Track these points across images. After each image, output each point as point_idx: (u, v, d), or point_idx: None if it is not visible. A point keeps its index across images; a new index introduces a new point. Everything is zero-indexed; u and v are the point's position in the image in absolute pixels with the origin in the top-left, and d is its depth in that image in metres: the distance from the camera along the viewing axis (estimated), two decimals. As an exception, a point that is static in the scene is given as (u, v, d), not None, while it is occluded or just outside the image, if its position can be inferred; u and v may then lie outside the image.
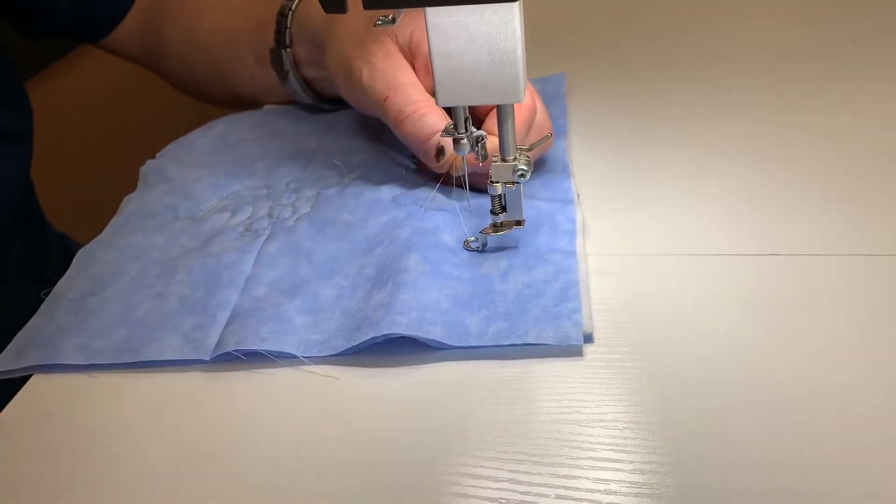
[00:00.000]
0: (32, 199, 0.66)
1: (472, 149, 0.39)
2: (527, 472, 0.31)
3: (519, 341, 0.36)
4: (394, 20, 0.34)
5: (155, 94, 0.74)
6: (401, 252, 0.41)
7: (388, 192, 0.46)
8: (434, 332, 0.36)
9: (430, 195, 0.45)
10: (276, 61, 0.56)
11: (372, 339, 0.36)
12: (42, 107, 0.66)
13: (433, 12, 0.33)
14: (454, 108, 0.38)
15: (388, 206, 0.45)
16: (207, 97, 0.66)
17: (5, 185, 0.57)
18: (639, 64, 0.63)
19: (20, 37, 0.62)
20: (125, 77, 0.70)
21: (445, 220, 0.44)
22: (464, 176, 0.42)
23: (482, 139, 0.39)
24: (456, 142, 0.39)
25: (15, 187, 0.59)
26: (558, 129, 0.52)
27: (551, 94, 0.57)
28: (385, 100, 0.45)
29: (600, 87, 0.59)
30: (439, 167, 0.45)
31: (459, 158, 0.44)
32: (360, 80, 0.47)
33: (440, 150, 0.44)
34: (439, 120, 0.44)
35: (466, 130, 0.38)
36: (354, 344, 0.37)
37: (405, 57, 0.47)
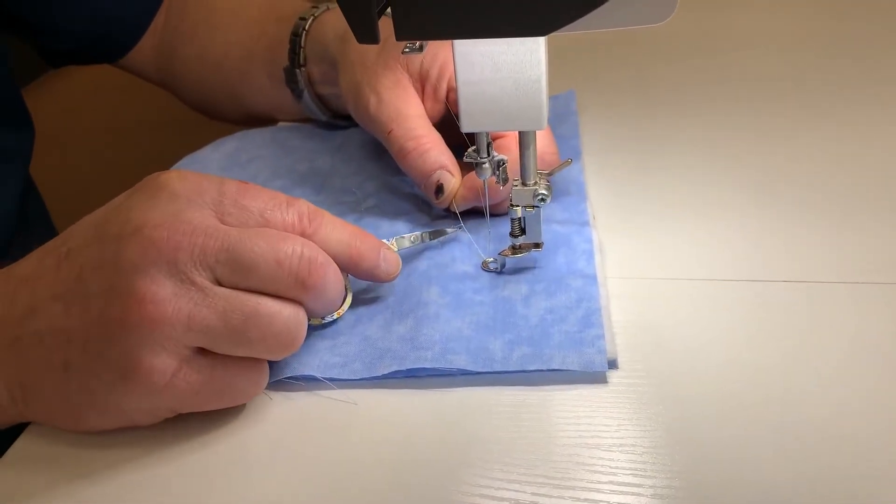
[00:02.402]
0: (38, 207, 0.67)
1: (494, 173, 0.40)
2: (548, 496, 0.32)
3: (544, 367, 0.36)
4: (421, 48, 0.34)
5: (158, 98, 0.74)
6: (419, 284, 0.42)
7: (404, 225, 0.47)
8: (458, 362, 0.37)
9: (451, 231, 0.45)
10: (291, 80, 0.57)
11: (396, 371, 0.37)
12: (46, 110, 0.67)
13: (461, 42, 0.34)
14: (477, 133, 0.38)
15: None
16: (221, 115, 0.67)
17: (7, 200, 0.58)
18: (650, 84, 0.63)
19: (21, 42, 0.63)
20: (129, 80, 0.70)
21: (462, 251, 0.44)
22: (484, 201, 0.42)
23: (503, 163, 0.40)
24: (478, 166, 0.39)
25: (14, 203, 0.59)
26: (572, 150, 0.53)
27: (562, 113, 0.58)
28: (389, 133, 0.47)
29: (611, 107, 0.60)
30: (439, 203, 0.46)
31: (459, 194, 0.45)
32: (368, 109, 0.48)
33: (440, 188, 0.45)
34: (440, 155, 0.45)
35: (488, 155, 0.39)
36: (377, 374, 0.37)
37: (414, 83, 0.48)
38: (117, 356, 0.32)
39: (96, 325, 0.33)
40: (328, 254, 0.36)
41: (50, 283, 0.34)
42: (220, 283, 0.33)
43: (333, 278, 0.36)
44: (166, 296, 0.32)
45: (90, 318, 0.33)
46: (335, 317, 0.39)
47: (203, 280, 0.33)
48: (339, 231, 0.37)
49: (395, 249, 0.42)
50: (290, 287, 0.34)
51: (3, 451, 0.37)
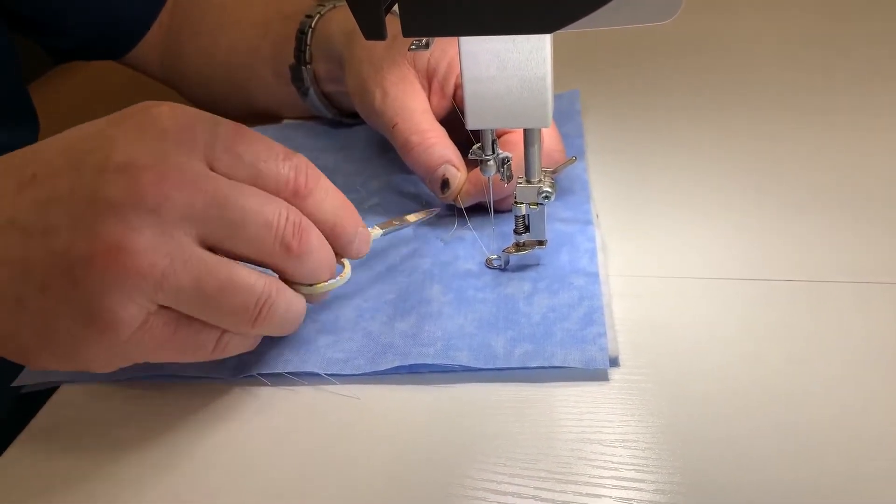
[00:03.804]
0: None
1: (498, 170, 0.40)
2: (551, 490, 0.32)
3: (546, 364, 0.36)
4: (427, 45, 0.34)
5: (163, 94, 0.75)
6: (422, 281, 0.42)
7: (376, 234, 0.47)
8: (461, 358, 0.37)
9: (451, 231, 0.46)
10: (297, 78, 0.57)
11: (398, 367, 0.37)
12: (50, 106, 0.67)
13: (467, 39, 0.34)
14: (482, 130, 0.38)
15: (408, 238, 0.46)
16: (225, 112, 0.67)
17: None
18: (653, 83, 0.63)
19: (25, 40, 0.63)
20: (133, 77, 0.70)
21: (465, 248, 0.45)
22: (488, 198, 0.43)
23: (508, 161, 0.40)
24: (482, 163, 0.40)
25: None
26: (576, 148, 0.53)
27: (565, 111, 0.58)
28: (394, 127, 0.46)
29: (615, 107, 0.60)
30: (444, 198, 0.46)
31: (464, 190, 0.45)
32: (373, 104, 0.48)
33: (445, 183, 0.45)
34: (445, 150, 0.45)
35: (493, 152, 0.39)
36: (378, 369, 0.38)
37: (421, 79, 0.48)
38: (80, 300, 0.30)
39: (59, 263, 0.30)
40: (316, 218, 0.35)
41: (7, 207, 0.31)
42: (201, 241, 0.32)
43: (317, 244, 0.34)
44: (143, 246, 0.30)
45: (52, 252, 0.30)
46: (336, 284, 0.37)
47: (183, 237, 0.31)
48: (332, 198, 0.36)
49: (378, 234, 0.41)
50: (274, 251, 0.33)
51: (2, 450, 0.37)
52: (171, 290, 0.31)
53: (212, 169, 0.32)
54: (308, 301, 0.37)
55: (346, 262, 0.39)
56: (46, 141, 0.33)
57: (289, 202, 0.34)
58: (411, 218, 0.44)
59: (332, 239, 0.36)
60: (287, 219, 0.33)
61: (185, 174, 0.31)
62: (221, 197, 0.31)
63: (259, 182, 0.33)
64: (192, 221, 0.31)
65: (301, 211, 0.34)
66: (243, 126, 0.34)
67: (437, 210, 0.46)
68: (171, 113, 0.33)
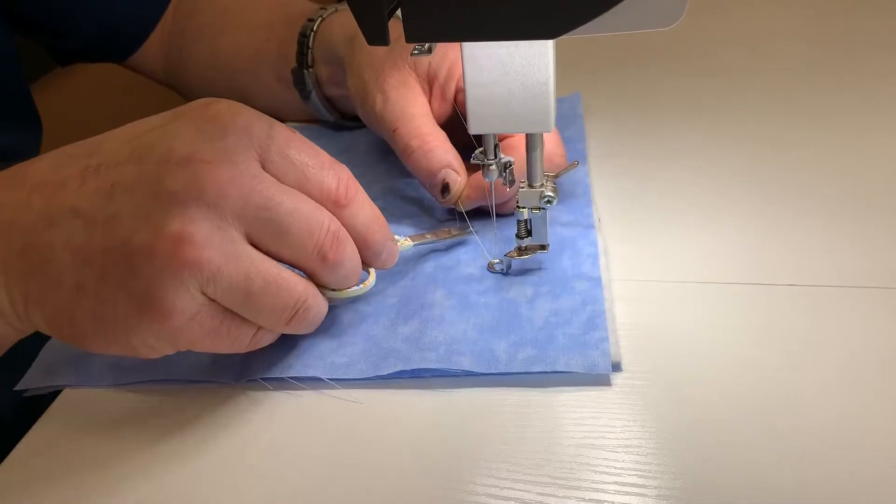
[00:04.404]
0: None
1: (501, 174, 0.40)
2: (553, 495, 0.32)
3: (548, 369, 0.36)
4: (430, 50, 0.34)
5: (165, 97, 0.75)
6: (425, 286, 0.42)
7: (410, 228, 0.47)
8: (463, 363, 0.37)
9: (452, 237, 0.46)
10: (299, 81, 0.57)
11: (400, 371, 0.37)
12: (52, 107, 0.67)
13: (469, 44, 0.34)
14: (484, 135, 0.38)
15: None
16: None
17: None
18: (655, 88, 0.64)
19: (26, 41, 0.63)
20: (136, 79, 0.70)
21: (467, 253, 0.45)
22: (490, 203, 0.43)
23: (510, 165, 0.40)
24: (485, 167, 0.40)
25: None
26: (578, 152, 0.53)
27: (567, 115, 0.58)
28: (394, 131, 0.47)
29: (617, 110, 0.60)
30: (444, 202, 0.46)
31: (464, 194, 0.45)
32: (374, 108, 0.48)
33: (445, 187, 0.45)
34: (445, 154, 0.45)
35: (495, 157, 0.39)
36: (381, 373, 0.38)
37: (422, 83, 0.48)
38: (139, 289, 0.31)
39: (120, 251, 0.31)
40: (351, 228, 0.36)
41: (71, 196, 0.32)
42: (249, 239, 0.33)
43: (350, 254, 0.36)
44: (202, 239, 0.31)
45: (114, 242, 0.31)
46: (360, 292, 0.39)
47: (237, 234, 0.32)
48: (368, 210, 0.37)
49: (409, 246, 0.42)
50: (312, 258, 0.34)
51: (5, 453, 0.37)
52: (222, 285, 0.32)
53: (265, 169, 0.34)
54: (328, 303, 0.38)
55: (372, 270, 0.40)
56: (110, 133, 0.35)
57: (329, 210, 0.35)
58: (443, 235, 0.45)
59: (362, 250, 0.37)
60: (328, 229, 0.35)
61: (243, 173, 0.32)
62: (274, 200, 0.33)
63: (304, 187, 0.35)
64: (244, 220, 0.32)
65: (339, 219, 0.36)
66: (295, 131, 0.36)
67: (471, 231, 0.46)
68: (231, 110, 0.34)
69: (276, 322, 0.35)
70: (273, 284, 0.33)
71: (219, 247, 0.32)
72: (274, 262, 0.34)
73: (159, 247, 0.31)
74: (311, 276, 0.36)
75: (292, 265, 0.35)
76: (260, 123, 0.34)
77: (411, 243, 0.43)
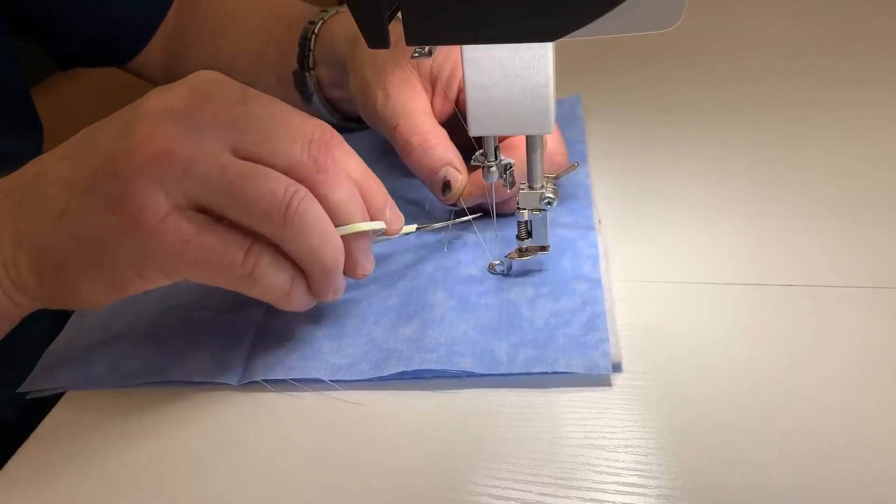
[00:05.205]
0: None
1: (501, 176, 0.40)
2: (554, 496, 0.32)
3: (549, 369, 0.37)
4: (430, 53, 0.35)
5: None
6: (426, 286, 0.42)
7: (410, 229, 0.47)
8: (464, 364, 0.37)
9: (453, 235, 0.46)
10: (300, 83, 0.57)
11: (401, 372, 0.38)
12: (53, 111, 0.67)
13: (469, 46, 0.34)
14: (485, 137, 0.39)
15: (411, 244, 0.46)
16: None
17: None
18: (655, 89, 0.64)
19: (29, 44, 0.63)
20: (137, 83, 0.70)
21: (468, 254, 0.45)
22: (491, 204, 0.43)
23: (510, 167, 0.40)
24: (485, 169, 0.40)
25: None
26: (578, 154, 0.53)
27: (567, 117, 0.58)
28: (395, 128, 0.46)
29: (617, 112, 0.60)
30: (446, 200, 0.46)
31: (465, 191, 0.45)
32: (375, 105, 0.48)
33: (446, 185, 0.45)
34: (446, 152, 0.45)
35: (496, 159, 0.39)
36: (382, 374, 0.38)
37: (424, 82, 0.48)
38: (111, 189, 0.32)
39: (101, 166, 0.33)
40: (346, 168, 0.36)
41: (62, 149, 0.35)
42: (233, 150, 0.33)
43: (345, 176, 0.36)
44: (173, 136, 0.32)
45: (95, 162, 0.33)
46: (375, 227, 0.37)
47: (216, 142, 0.33)
48: (357, 162, 0.37)
49: (412, 230, 0.43)
50: (306, 163, 0.34)
51: (8, 455, 0.37)
52: (197, 177, 0.32)
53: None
54: (345, 271, 0.37)
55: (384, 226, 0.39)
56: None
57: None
58: (438, 225, 0.45)
59: (362, 196, 0.37)
60: (316, 136, 0.35)
61: (219, 94, 0.34)
62: (249, 112, 0.34)
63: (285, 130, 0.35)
64: (221, 129, 0.33)
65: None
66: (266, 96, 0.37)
67: (471, 217, 0.46)
68: (209, 73, 0.36)
69: (270, 216, 0.33)
70: (252, 174, 0.33)
71: (193, 144, 0.32)
72: (255, 163, 0.33)
73: (135, 147, 0.32)
74: (313, 190, 0.35)
75: (287, 174, 0.34)
76: (235, 83, 0.36)
77: (414, 227, 0.43)
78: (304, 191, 0.34)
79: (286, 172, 0.34)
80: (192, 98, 0.34)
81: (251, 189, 0.33)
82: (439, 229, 0.45)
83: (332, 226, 0.35)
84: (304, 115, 0.36)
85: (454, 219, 0.46)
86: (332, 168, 0.35)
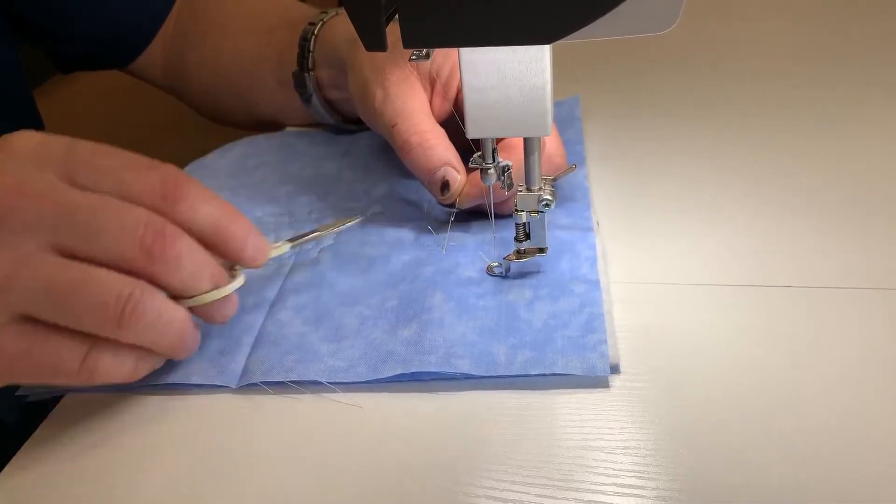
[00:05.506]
0: None
1: (499, 178, 0.40)
2: (552, 497, 0.32)
3: (547, 371, 0.37)
4: (428, 55, 0.35)
5: (166, 103, 0.75)
6: (424, 289, 0.42)
7: (409, 231, 0.47)
8: (462, 366, 0.37)
9: (451, 238, 0.46)
10: (300, 84, 0.57)
11: (400, 374, 0.38)
12: (54, 113, 0.68)
13: (467, 49, 0.34)
14: (483, 139, 0.39)
15: (410, 246, 0.46)
16: (229, 120, 0.68)
17: None
18: (653, 90, 0.64)
19: (28, 47, 0.63)
20: (137, 85, 0.71)
21: (466, 257, 0.45)
22: (489, 206, 0.43)
23: (508, 169, 0.40)
24: (483, 171, 0.40)
25: None
26: (576, 155, 0.53)
27: (566, 118, 0.58)
28: (393, 127, 0.46)
29: (615, 113, 0.60)
30: (444, 200, 0.45)
31: (464, 192, 0.45)
32: (374, 104, 0.48)
33: (445, 185, 0.45)
34: (445, 152, 0.45)
35: (494, 161, 0.39)
36: (380, 377, 0.38)
37: (423, 82, 0.48)
38: None
39: None
40: (192, 224, 0.34)
41: None
42: (56, 249, 0.31)
43: (187, 250, 0.33)
44: None
45: None
46: (220, 294, 0.36)
47: (33, 244, 0.31)
48: (208, 204, 0.34)
49: (286, 249, 0.41)
50: (136, 257, 0.32)
51: (8, 457, 0.37)
52: (20, 292, 0.30)
53: (72, 184, 0.32)
54: (203, 318, 0.36)
55: (240, 271, 0.38)
56: None
57: (158, 210, 0.33)
58: (324, 230, 0.44)
59: (216, 245, 0.35)
60: (146, 224, 0.32)
61: (33, 185, 0.31)
62: (72, 204, 0.31)
63: (123, 192, 0.33)
64: (41, 229, 0.31)
65: (173, 217, 0.33)
66: (104, 144, 0.34)
67: (358, 219, 0.46)
68: (25, 136, 0.33)
69: (103, 323, 0.32)
70: (80, 282, 0.31)
71: (9, 258, 0.30)
72: (84, 264, 0.31)
73: None
74: (152, 282, 0.33)
75: (117, 269, 0.32)
76: (58, 141, 0.33)
77: (288, 245, 0.42)
78: (139, 289, 0.32)
79: (118, 268, 0.32)
80: (5, 196, 0.31)
81: (81, 301, 0.31)
82: (318, 238, 0.44)
83: (175, 311, 0.34)
84: (139, 166, 0.33)
85: (453, 220, 0.46)
86: (169, 250, 0.32)
